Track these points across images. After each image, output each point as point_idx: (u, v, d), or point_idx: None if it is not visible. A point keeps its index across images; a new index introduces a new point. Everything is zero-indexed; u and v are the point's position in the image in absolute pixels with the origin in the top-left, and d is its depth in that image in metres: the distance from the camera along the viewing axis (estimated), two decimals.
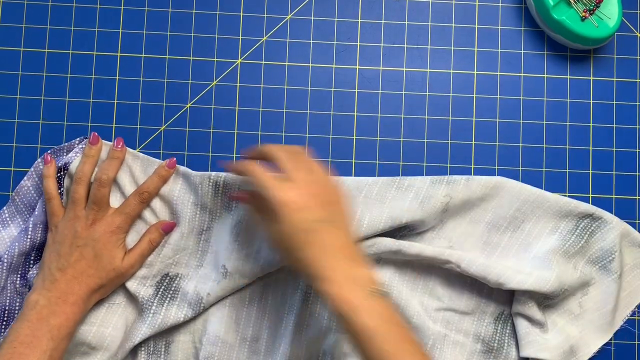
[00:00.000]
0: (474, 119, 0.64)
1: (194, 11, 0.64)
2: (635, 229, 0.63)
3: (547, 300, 0.60)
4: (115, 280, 0.56)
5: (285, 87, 0.63)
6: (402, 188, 0.61)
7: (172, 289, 0.58)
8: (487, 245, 0.62)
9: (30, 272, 0.57)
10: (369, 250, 0.59)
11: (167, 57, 0.63)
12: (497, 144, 0.64)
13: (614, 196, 0.64)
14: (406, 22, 0.65)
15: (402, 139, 0.64)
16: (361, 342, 0.46)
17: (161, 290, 0.58)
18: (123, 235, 0.57)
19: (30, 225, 0.57)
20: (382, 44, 0.64)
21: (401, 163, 0.63)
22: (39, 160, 0.60)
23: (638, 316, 0.63)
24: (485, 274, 0.58)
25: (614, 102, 0.65)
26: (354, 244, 0.50)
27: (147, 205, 0.59)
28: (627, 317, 0.63)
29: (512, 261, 0.61)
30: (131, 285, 0.58)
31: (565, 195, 0.63)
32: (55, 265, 0.54)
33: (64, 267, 0.54)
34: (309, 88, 0.64)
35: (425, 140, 0.64)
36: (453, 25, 0.65)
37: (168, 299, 0.58)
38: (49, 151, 0.60)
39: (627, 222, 0.63)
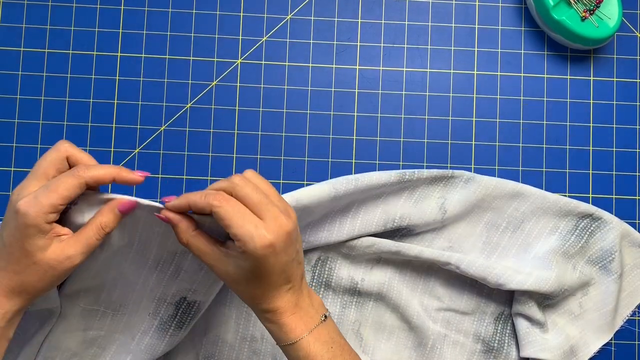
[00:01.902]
0: (474, 119, 0.64)
1: (194, 11, 0.64)
2: (635, 229, 0.63)
3: (547, 300, 0.60)
4: (44, 277, 0.43)
5: (285, 87, 0.63)
6: (401, 182, 0.59)
7: (192, 314, 0.55)
8: (487, 245, 0.62)
9: None
10: (368, 250, 0.59)
11: (167, 57, 0.63)
12: (497, 144, 0.64)
13: (614, 196, 0.64)
14: (406, 22, 0.65)
15: (402, 139, 0.64)
16: None
17: (180, 312, 0.55)
18: (44, 224, 0.42)
19: None
20: (382, 44, 0.64)
21: (401, 163, 0.63)
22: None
23: (638, 316, 0.63)
24: (485, 275, 0.58)
25: (614, 102, 0.65)
26: (304, 271, 0.49)
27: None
28: (627, 317, 0.63)
29: (512, 261, 0.61)
30: (150, 304, 0.54)
31: (565, 195, 0.63)
32: None
33: None
34: (309, 88, 0.64)
35: (425, 141, 0.64)
36: (453, 25, 0.65)
37: (186, 324, 0.55)
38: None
39: (627, 222, 0.63)
